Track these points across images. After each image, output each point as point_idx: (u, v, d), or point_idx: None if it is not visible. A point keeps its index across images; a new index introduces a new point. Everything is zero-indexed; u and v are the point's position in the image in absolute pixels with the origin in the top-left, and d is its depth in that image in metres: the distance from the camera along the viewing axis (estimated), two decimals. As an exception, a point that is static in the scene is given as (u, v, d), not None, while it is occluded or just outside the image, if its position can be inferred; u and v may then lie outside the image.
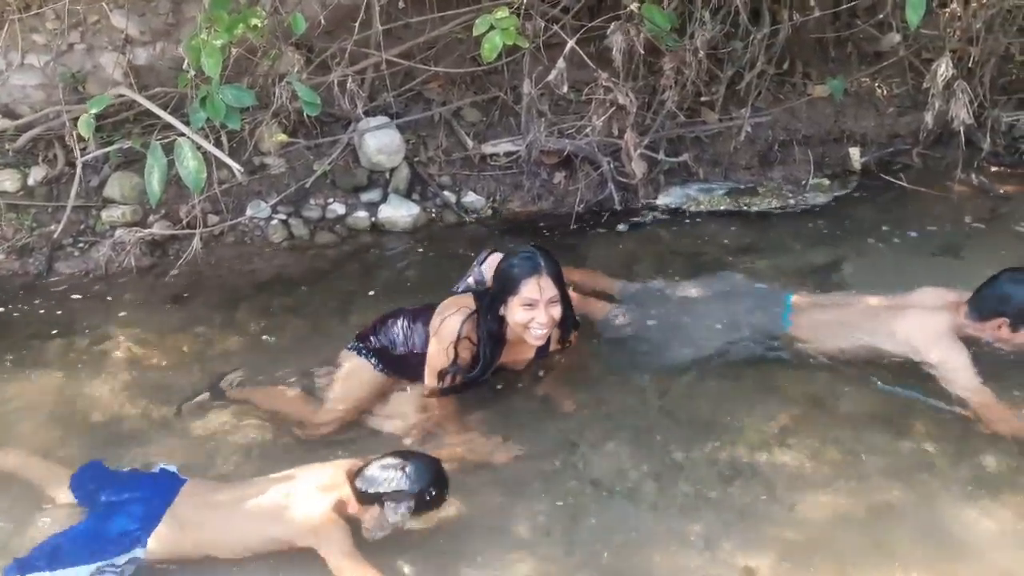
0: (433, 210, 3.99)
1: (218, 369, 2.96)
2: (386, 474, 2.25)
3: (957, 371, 2.68)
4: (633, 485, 2.49)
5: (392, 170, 3.95)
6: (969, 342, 2.73)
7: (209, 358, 3.06)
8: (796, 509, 2.39)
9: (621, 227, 3.93)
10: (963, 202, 4.01)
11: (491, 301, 2.68)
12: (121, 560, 2.22)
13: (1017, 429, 2.58)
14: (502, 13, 3.39)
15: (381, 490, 2.24)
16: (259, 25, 3.31)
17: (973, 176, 4.16)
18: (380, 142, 3.88)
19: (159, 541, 2.26)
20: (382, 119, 3.96)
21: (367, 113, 3.96)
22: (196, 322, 3.27)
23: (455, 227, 3.94)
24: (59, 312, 3.37)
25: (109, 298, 3.46)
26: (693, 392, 2.85)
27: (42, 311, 3.38)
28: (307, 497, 2.29)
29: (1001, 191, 4.09)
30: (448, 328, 2.67)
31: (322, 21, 3.74)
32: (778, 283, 3.23)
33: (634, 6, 3.63)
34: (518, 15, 3.48)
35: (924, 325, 2.77)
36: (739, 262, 3.57)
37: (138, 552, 2.24)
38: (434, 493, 2.27)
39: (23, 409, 2.82)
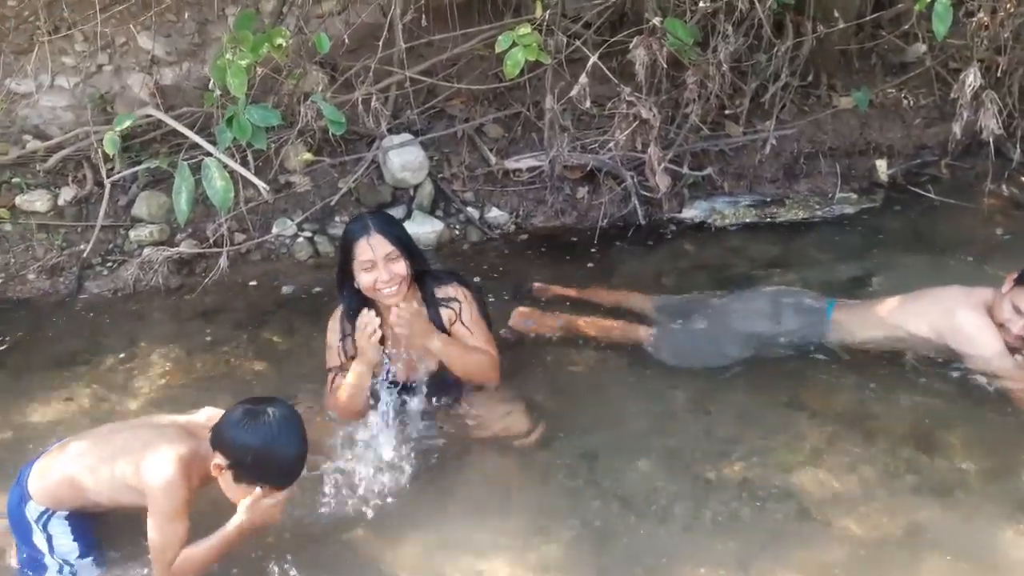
0: (457, 226, 3.99)
1: (244, 386, 2.96)
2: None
3: (985, 348, 2.65)
4: (665, 505, 2.46)
5: (416, 187, 3.96)
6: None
7: (235, 375, 3.07)
8: (829, 529, 2.35)
9: (650, 243, 3.90)
10: (993, 214, 3.96)
11: (339, 279, 2.67)
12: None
13: None
14: (524, 30, 3.40)
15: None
16: (284, 45, 3.33)
17: (1003, 187, 4.11)
18: (404, 159, 3.90)
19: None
20: (406, 136, 3.98)
21: (391, 130, 3.98)
22: (223, 339, 3.29)
23: (479, 243, 3.94)
24: (88, 330, 3.41)
25: (137, 316, 3.49)
26: (726, 409, 2.82)
27: (72, 329, 3.42)
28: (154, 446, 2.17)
29: (1032, 202, 4.04)
30: (328, 332, 2.70)
31: (346, 40, 3.78)
32: (816, 292, 3.18)
33: (656, 20, 3.62)
34: (540, 31, 3.49)
35: (954, 301, 2.76)
36: (767, 275, 3.53)
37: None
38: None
39: (52, 426, 2.84)
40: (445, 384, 2.71)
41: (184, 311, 3.51)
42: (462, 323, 2.67)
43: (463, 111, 4.23)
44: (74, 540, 2.27)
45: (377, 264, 2.54)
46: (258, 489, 2.13)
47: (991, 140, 3.85)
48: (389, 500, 2.50)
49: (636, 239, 3.93)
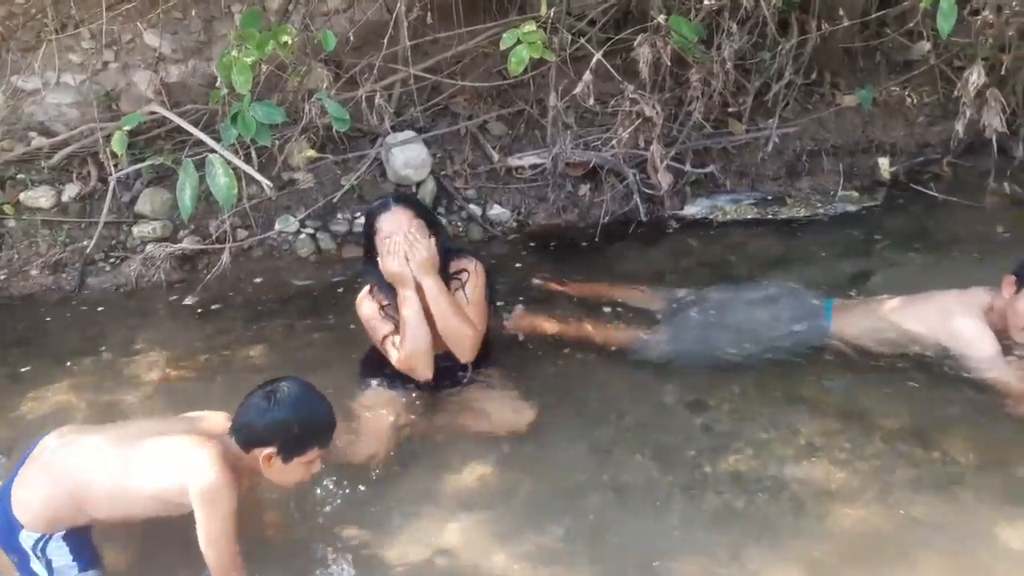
0: (459, 223, 4.01)
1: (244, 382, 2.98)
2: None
3: (980, 351, 2.67)
4: (661, 498, 2.47)
5: (419, 184, 3.98)
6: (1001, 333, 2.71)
7: (236, 371, 3.09)
8: (823, 523, 2.35)
9: (651, 240, 3.90)
10: (995, 212, 3.94)
11: (366, 260, 2.71)
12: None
13: None
14: (529, 27, 3.42)
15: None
16: (289, 42, 3.37)
17: (1005, 185, 4.09)
18: (407, 156, 3.92)
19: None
20: (409, 134, 4.00)
21: (394, 128, 4.00)
22: (224, 335, 3.31)
23: (481, 241, 3.96)
24: (91, 326, 3.44)
25: (139, 312, 3.52)
26: (723, 404, 2.82)
27: (74, 325, 3.45)
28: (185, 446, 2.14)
29: (1035, 200, 4.02)
30: (363, 310, 2.73)
31: (351, 37, 3.81)
32: (817, 291, 3.18)
33: (661, 18, 3.63)
34: (545, 29, 3.51)
35: (952, 307, 2.77)
36: (769, 272, 3.53)
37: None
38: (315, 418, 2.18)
39: (55, 419, 2.86)
40: (451, 371, 2.73)
41: (186, 307, 3.54)
42: (464, 293, 2.69)
43: (466, 108, 4.26)
44: (74, 560, 2.21)
45: (400, 235, 2.58)
46: (313, 452, 2.17)
47: (994, 138, 3.86)
48: (383, 491, 2.52)
49: (638, 236, 3.94)
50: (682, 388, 2.88)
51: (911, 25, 4.17)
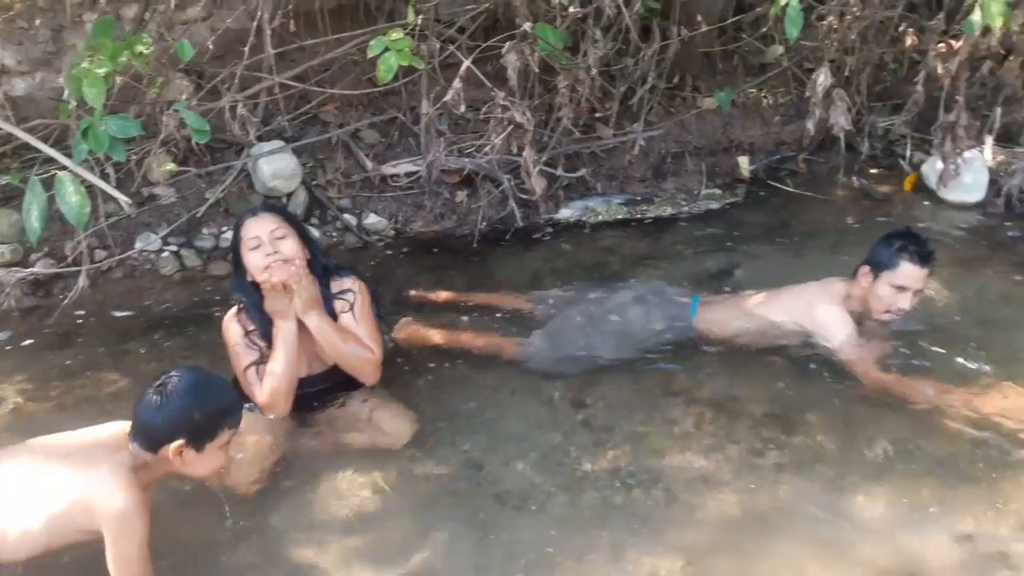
0: (334, 234, 3.94)
1: (108, 412, 2.83)
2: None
3: (839, 337, 2.85)
4: (542, 500, 2.50)
5: (289, 195, 3.88)
6: (859, 318, 2.90)
7: (99, 401, 2.92)
8: (697, 510, 2.43)
9: (528, 244, 3.95)
10: (845, 204, 4.20)
11: (234, 273, 2.62)
12: None
13: (886, 382, 2.78)
14: (397, 34, 3.40)
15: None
16: (145, 52, 3.22)
17: (854, 179, 4.37)
18: (275, 167, 3.82)
19: None
20: (277, 143, 3.90)
21: (262, 138, 3.89)
22: (85, 364, 3.12)
23: (357, 250, 3.90)
24: (-66, 359, 3.18)
25: (-11, 343, 3.29)
26: (600, 402, 2.88)
27: (-85, 360, 3.18)
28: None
29: (879, 192, 4.30)
30: (227, 334, 2.63)
31: (211, 46, 3.67)
32: (683, 288, 3.31)
33: (527, 26, 3.69)
34: (413, 36, 3.50)
35: (815, 296, 2.95)
36: (640, 271, 3.64)
37: None
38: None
39: None
40: (334, 385, 2.68)
41: (42, 335, 3.31)
42: (352, 315, 2.64)
43: (337, 117, 4.19)
44: None
45: (263, 241, 2.50)
46: (225, 434, 2.10)
47: (842, 136, 4.09)
48: (266, 516, 2.45)
49: (515, 241, 3.99)
50: (560, 390, 2.93)
51: (765, 30, 4.40)
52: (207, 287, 3.61)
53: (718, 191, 4.36)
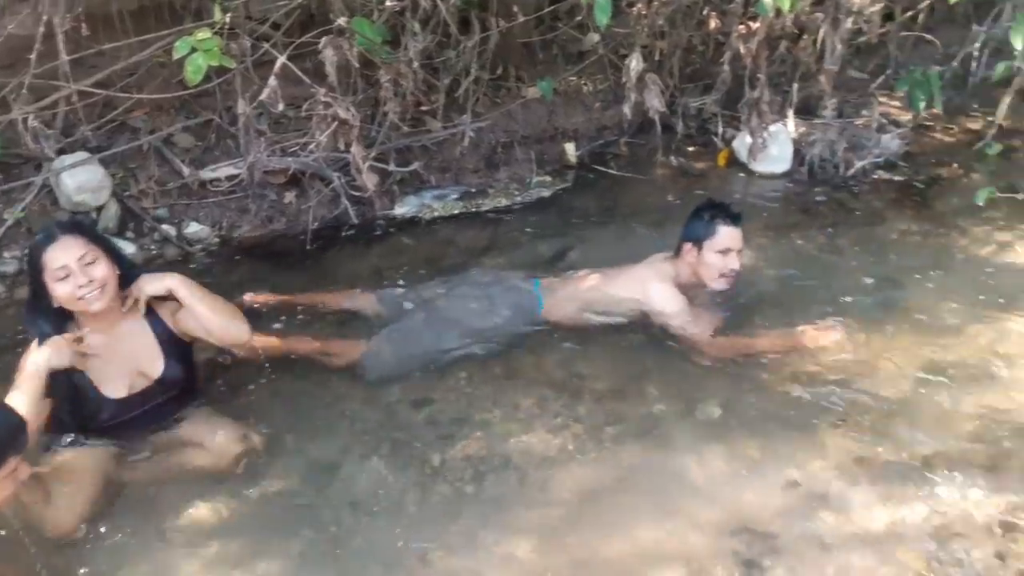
0: (152, 246, 3.71)
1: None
2: None
3: (673, 312, 2.99)
4: (394, 499, 2.47)
5: (99, 208, 3.62)
6: (689, 292, 3.06)
7: None
8: (547, 489, 2.48)
9: (365, 242, 3.88)
10: (665, 182, 4.40)
11: (31, 307, 2.40)
12: None
13: (723, 347, 2.97)
14: (204, 34, 3.25)
15: None
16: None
17: (672, 158, 4.58)
18: (80, 180, 3.54)
19: None
20: (81, 155, 3.62)
21: (64, 150, 3.61)
22: None
23: (180, 262, 3.69)
24: None
25: None
26: (447, 394, 2.88)
27: None
28: None
29: (696, 168, 4.54)
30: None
31: (-6, 54, 3.36)
32: (522, 272, 3.35)
33: (343, 20, 3.61)
34: (222, 35, 3.34)
35: (647, 275, 3.10)
36: (480, 262, 3.66)
37: None
38: None
39: None
40: (166, 400, 2.54)
41: None
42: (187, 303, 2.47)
43: (147, 122, 3.95)
44: None
45: (72, 270, 2.30)
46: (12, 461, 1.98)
47: (657, 117, 4.28)
48: (99, 554, 2.28)
49: (351, 239, 3.91)
50: (408, 388, 2.90)
51: (580, 18, 4.52)
52: (14, 314, 3.29)
53: (548, 178, 4.45)
